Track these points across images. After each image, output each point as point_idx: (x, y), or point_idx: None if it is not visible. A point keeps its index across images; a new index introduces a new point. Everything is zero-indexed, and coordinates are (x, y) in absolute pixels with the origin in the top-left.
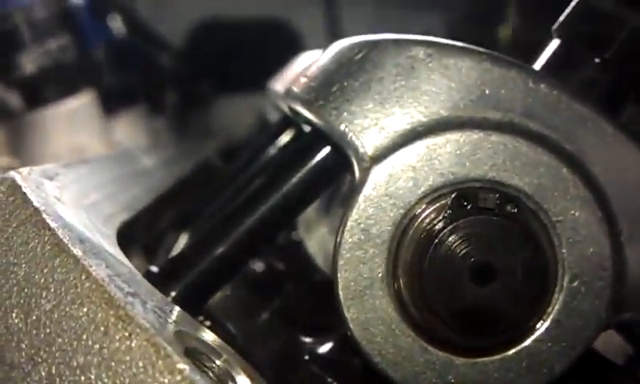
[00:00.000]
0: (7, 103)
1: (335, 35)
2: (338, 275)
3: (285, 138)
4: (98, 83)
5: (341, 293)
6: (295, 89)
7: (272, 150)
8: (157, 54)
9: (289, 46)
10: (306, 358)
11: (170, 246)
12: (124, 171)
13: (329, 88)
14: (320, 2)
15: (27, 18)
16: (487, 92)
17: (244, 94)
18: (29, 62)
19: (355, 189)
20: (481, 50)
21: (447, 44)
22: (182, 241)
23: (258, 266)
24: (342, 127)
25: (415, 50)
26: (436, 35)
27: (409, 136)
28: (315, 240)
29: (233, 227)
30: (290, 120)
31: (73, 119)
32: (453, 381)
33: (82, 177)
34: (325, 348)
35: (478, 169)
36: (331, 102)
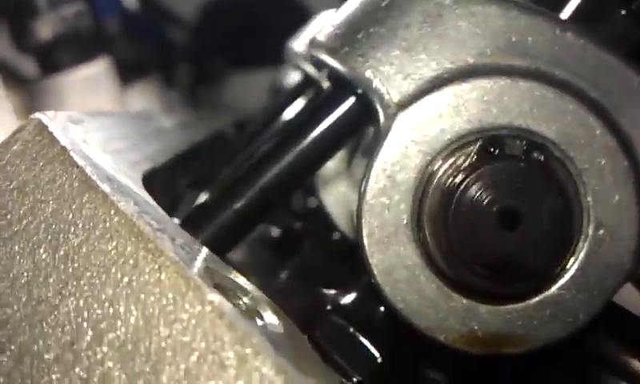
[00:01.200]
0: (22, 69)
1: None
2: (363, 222)
3: (302, 100)
4: (112, 52)
5: (365, 239)
6: (320, 37)
7: (290, 111)
8: (169, 28)
9: (301, 22)
10: (329, 308)
11: (189, 203)
12: (145, 128)
13: (354, 35)
14: None
15: None
16: (514, 39)
17: (256, 70)
18: (44, 28)
19: (380, 136)
20: None
21: None
22: (200, 199)
23: (276, 230)
24: (368, 74)
25: None
26: None
27: (435, 83)
28: (334, 198)
29: (254, 180)
30: (308, 82)
31: (88, 86)
32: (476, 328)
33: (105, 126)
34: (347, 299)
35: (504, 116)
36: (357, 49)
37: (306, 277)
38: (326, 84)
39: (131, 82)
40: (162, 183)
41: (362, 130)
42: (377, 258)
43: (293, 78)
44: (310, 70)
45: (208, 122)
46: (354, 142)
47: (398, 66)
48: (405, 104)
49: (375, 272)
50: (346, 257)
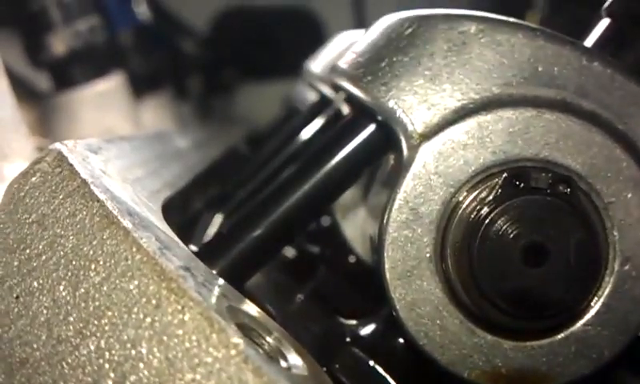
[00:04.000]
0: (37, 84)
1: (360, 22)
2: (385, 255)
3: (320, 120)
4: (126, 66)
5: (387, 273)
6: (342, 65)
7: (307, 133)
8: (181, 40)
9: (313, 34)
10: (348, 340)
11: (205, 226)
12: (162, 150)
13: (377, 63)
14: None
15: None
16: (540, 69)
17: (267, 81)
18: (58, 43)
19: (403, 167)
20: (533, 26)
21: (499, 19)
22: (217, 222)
23: (291, 251)
24: (391, 104)
25: (467, 25)
26: None
27: (459, 113)
28: (353, 225)
29: (273, 208)
30: (325, 102)
31: (102, 101)
32: (500, 364)
33: (124, 152)
34: (367, 330)
35: (530, 148)
36: (380, 78)
37: (322, 302)
38: (344, 107)
39: (144, 96)
40: (178, 205)
41: (381, 159)
42: (399, 292)
43: (308, 96)
44: (327, 91)
45: (221, 138)
46: (374, 167)
47: (422, 95)
48: (428, 135)
49: (397, 306)
50: (362, 282)
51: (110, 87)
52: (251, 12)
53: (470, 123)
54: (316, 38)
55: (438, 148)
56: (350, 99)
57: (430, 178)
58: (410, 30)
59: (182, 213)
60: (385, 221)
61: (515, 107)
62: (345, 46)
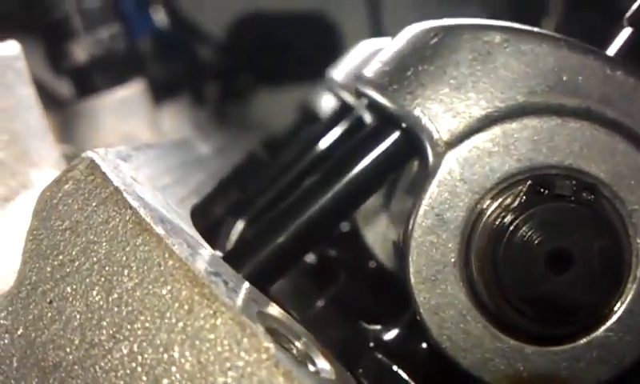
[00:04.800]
0: (58, 91)
1: (376, 28)
2: (410, 260)
3: (341, 127)
4: (145, 73)
5: (412, 277)
6: (368, 73)
7: (328, 140)
8: (198, 46)
9: (329, 39)
10: (371, 345)
11: (228, 232)
12: (185, 158)
13: (403, 72)
14: None
15: (78, 7)
16: (564, 78)
17: (284, 87)
18: (80, 51)
19: (429, 174)
20: (557, 35)
21: (523, 29)
22: (239, 227)
23: (310, 256)
24: (417, 112)
25: (491, 34)
26: None
27: (484, 121)
28: (373, 230)
29: (298, 214)
30: (347, 109)
31: (123, 108)
32: (522, 369)
33: (151, 160)
34: (390, 335)
35: (554, 155)
36: (405, 87)
37: (343, 307)
38: (366, 115)
39: (163, 102)
40: (200, 211)
41: (404, 166)
42: (423, 297)
43: (328, 103)
44: (350, 99)
45: (239, 144)
46: (396, 175)
47: (448, 104)
48: (454, 142)
49: (422, 310)
50: (383, 287)
51: (130, 94)
52: (267, 18)
53: (495, 131)
54: (331, 43)
55: (464, 155)
56: (374, 107)
57: (456, 184)
58: (435, 40)
59: (204, 218)
60: (410, 226)
61: (540, 116)
62: (368, 55)
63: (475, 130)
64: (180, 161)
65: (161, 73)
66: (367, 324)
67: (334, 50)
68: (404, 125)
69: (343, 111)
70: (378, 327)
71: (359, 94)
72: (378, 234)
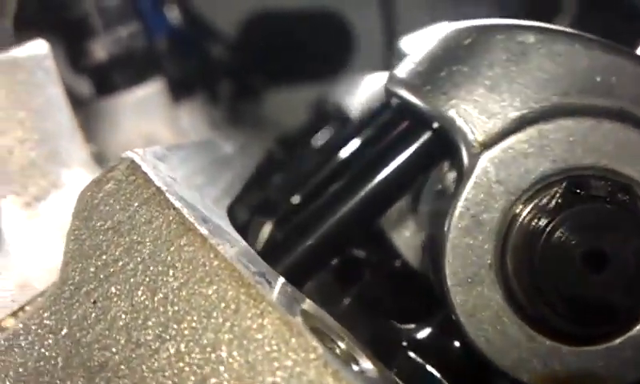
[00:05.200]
0: (78, 90)
1: (389, 27)
2: (446, 261)
3: (370, 129)
4: (164, 72)
5: (448, 279)
6: (400, 74)
7: (358, 140)
8: (212, 45)
9: (341, 38)
10: (404, 344)
11: (256, 233)
12: (213, 158)
13: (437, 73)
14: None
15: (98, 5)
16: (598, 79)
17: (297, 85)
18: (100, 49)
19: (464, 175)
20: (591, 36)
21: (557, 30)
22: (267, 229)
23: None
24: (451, 113)
25: (525, 35)
26: None
27: (520, 122)
28: (401, 234)
29: (328, 216)
30: (377, 112)
31: (142, 107)
32: (558, 369)
33: (184, 160)
34: (423, 334)
35: (589, 156)
36: (439, 88)
37: (370, 306)
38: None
39: (181, 101)
40: (228, 212)
41: (435, 167)
42: (460, 298)
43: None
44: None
45: (257, 142)
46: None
47: (482, 104)
48: (489, 143)
49: (458, 312)
50: (409, 285)
51: (149, 93)
52: (279, 16)
53: (531, 132)
54: (344, 41)
55: (499, 156)
56: (406, 108)
57: (491, 186)
58: (468, 40)
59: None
60: (446, 228)
61: (574, 116)
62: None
63: (510, 130)
64: (209, 161)
65: (177, 71)
66: (400, 322)
67: (346, 48)
68: (436, 125)
69: (374, 113)
70: (411, 326)
71: (390, 95)
72: (403, 232)
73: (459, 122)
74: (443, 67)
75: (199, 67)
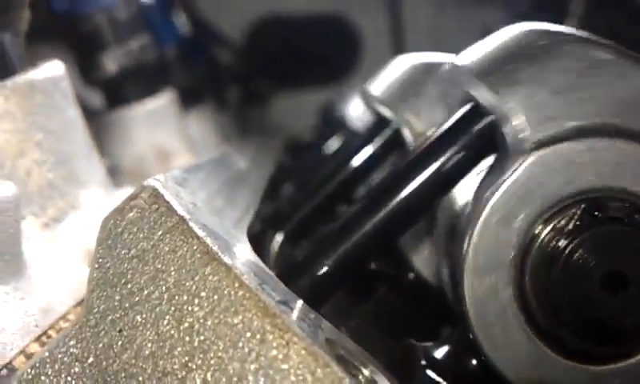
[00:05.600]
0: (90, 103)
1: (396, 32)
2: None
3: (377, 142)
4: (172, 81)
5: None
6: (466, 62)
7: (364, 154)
8: (219, 51)
9: (348, 43)
10: (422, 363)
11: (267, 247)
12: (229, 174)
13: (505, 65)
14: None
15: (109, 19)
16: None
17: (304, 90)
18: (111, 62)
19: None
20: None
21: (629, 52)
22: (278, 240)
23: None
24: (511, 104)
25: (598, 52)
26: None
27: (569, 134)
28: (422, 257)
29: (349, 235)
30: (383, 124)
31: (153, 119)
32: None
33: (203, 182)
34: (441, 352)
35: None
36: (504, 78)
37: (385, 322)
38: (405, 131)
39: (190, 109)
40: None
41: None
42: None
43: (355, 110)
44: (388, 114)
45: (266, 150)
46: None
47: (542, 107)
48: (538, 146)
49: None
50: (422, 300)
51: (160, 104)
52: (286, 21)
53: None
54: (351, 45)
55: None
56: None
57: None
58: (542, 42)
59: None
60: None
61: (610, 138)
62: (408, 71)
63: (560, 138)
64: (225, 179)
65: (186, 79)
66: (417, 340)
67: (353, 52)
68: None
69: (380, 126)
70: (429, 344)
71: (454, 83)
72: (423, 254)
73: (516, 116)
74: (512, 61)
75: (208, 74)
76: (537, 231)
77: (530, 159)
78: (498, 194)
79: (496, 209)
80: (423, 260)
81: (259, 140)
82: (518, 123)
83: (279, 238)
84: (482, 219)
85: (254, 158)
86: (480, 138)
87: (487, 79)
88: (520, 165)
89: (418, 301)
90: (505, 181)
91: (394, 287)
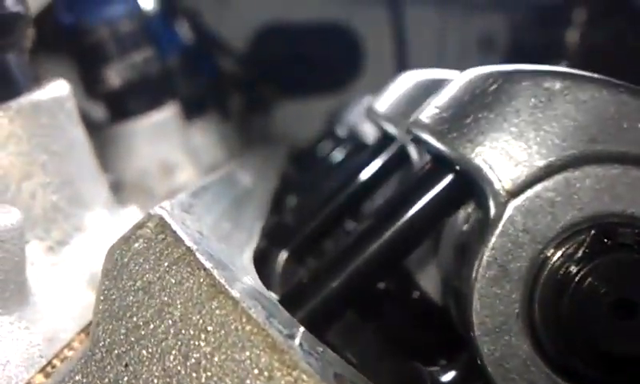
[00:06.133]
0: (93, 116)
1: (398, 41)
2: (473, 311)
3: (382, 158)
4: (177, 91)
5: (476, 329)
6: (424, 119)
7: (370, 170)
8: (222, 60)
9: (351, 51)
10: None
11: (272, 264)
12: (234, 193)
13: (462, 120)
14: (383, 6)
15: (113, 32)
16: (625, 126)
17: (306, 98)
18: (114, 76)
19: (491, 223)
20: (617, 82)
21: (584, 76)
22: (282, 257)
23: None
24: (478, 160)
25: (551, 81)
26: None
27: (546, 170)
28: (429, 277)
29: (351, 260)
30: (389, 140)
31: (157, 131)
32: None
33: (209, 206)
34: (448, 377)
35: (616, 204)
36: (465, 135)
37: (391, 343)
38: (410, 148)
39: (193, 120)
40: None
41: (459, 209)
42: (488, 348)
43: (359, 122)
44: (393, 130)
45: (270, 161)
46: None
47: (509, 152)
48: (516, 192)
49: (486, 361)
50: (427, 320)
51: (164, 117)
52: (289, 29)
53: (557, 180)
54: (354, 54)
55: (526, 205)
56: (429, 152)
57: (519, 235)
58: (494, 86)
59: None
60: (473, 277)
61: (601, 164)
62: (413, 88)
63: (538, 178)
64: (231, 199)
65: (189, 89)
66: (424, 364)
67: (356, 60)
68: (458, 168)
69: (385, 142)
70: (436, 368)
71: (416, 140)
72: (434, 280)
73: (486, 169)
74: (469, 114)
75: (211, 83)
76: (545, 260)
77: (508, 210)
78: (489, 248)
79: (494, 252)
80: (429, 278)
81: (263, 151)
82: (489, 177)
83: (284, 254)
84: (487, 250)
85: (259, 170)
86: (449, 195)
87: (448, 138)
88: (499, 218)
89: (424, 320)
90: (487, 246)
91: (400, 306)
